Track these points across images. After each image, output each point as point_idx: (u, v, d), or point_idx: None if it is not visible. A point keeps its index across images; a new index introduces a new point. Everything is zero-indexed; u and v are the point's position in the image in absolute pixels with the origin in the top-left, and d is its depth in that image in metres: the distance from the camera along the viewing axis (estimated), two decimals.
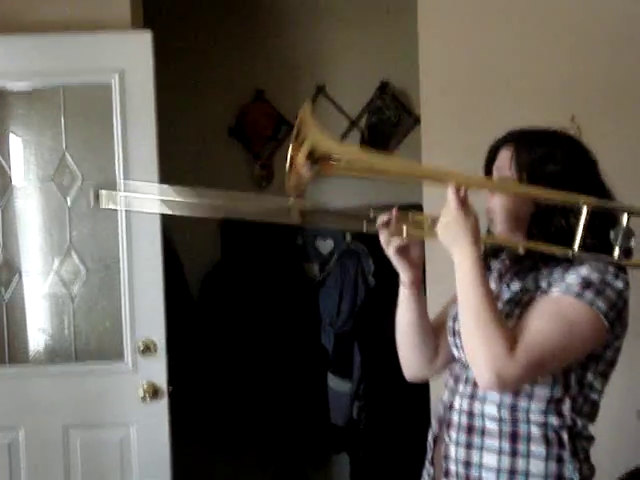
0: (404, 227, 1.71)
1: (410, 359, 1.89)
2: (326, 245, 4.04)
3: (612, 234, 1.59)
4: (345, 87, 4.00)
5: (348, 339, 3.73)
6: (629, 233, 1.58)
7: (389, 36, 3.94)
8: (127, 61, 2.91)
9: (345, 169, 1.66)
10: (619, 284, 1.61)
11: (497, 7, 2.99)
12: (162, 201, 1.85)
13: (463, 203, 1.61)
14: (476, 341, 1.55)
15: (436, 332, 1.87)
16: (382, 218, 1.72)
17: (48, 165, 3.01)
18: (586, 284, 1.58)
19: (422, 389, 2.98)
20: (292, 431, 3.80)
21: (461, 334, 1.63)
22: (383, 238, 1.74)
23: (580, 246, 1.59)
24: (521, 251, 1.65)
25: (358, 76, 3.99)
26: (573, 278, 1.60)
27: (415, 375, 1.94)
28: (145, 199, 2.00)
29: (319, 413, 3.77)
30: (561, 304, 1.57)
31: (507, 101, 2.89)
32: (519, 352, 1.51)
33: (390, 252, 1.75)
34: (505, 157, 1.73)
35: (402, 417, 3.60)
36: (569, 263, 1.62)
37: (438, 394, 2.91)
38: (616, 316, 1.60)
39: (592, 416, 1.69)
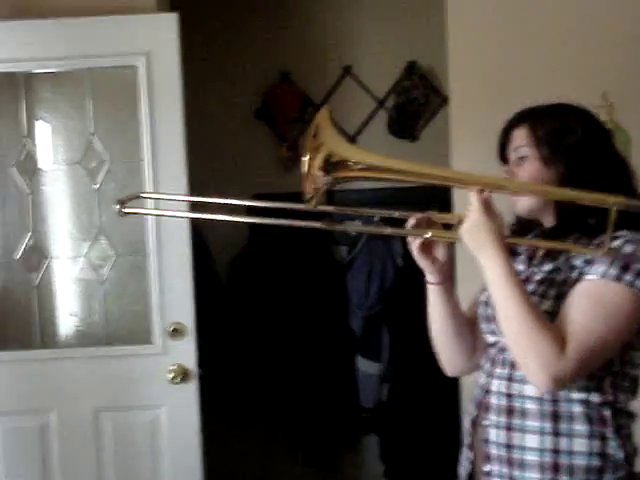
0: (429, 230, 1.69)
1: (450, 356, 1.87)
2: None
3: None
4: (372, 67, 3.97)
5: (377, 321, 3.72)
6: None
7: (416, 15, 3.90)
8: (154, 43, 2.89)
9: (361, 173, 1.62)
10: None
11: None
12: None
13: (487, 206, 1.58)
14: (525, 349, 1.53)
15: (472, 325, 1.85)
16: (410, 221, 1.72)
17: (75, 149, 3.01)
18: (624, 266, 1.55)
19: None
20: (321, 413, 3.80)
21: (507, 341, 1.60)
22: (410, 242, 1.74)
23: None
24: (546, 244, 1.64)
25: (385, 56, 3.95)
26: (607, 259, 1.57)
27: (457, 371, 1.93)
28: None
29: (348, 395, 3.77)
30: (601, 291, 1.55)
31: (536, 80, 2.85)
32: (570, 351, 1.50)
33: (413, 251, 1.74)
34: (520, 136, 1.72)
35: (431, 399, 3.59)
36: (600, 242, 1.59)
37: (467, 376, 2.91)
38: None
39: (633, 391, 1.68)
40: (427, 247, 1.74)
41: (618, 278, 1.54)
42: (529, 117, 1.73)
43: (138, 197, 1.91)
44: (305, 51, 3.97)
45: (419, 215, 1.71)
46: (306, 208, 1.61)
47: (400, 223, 1.76)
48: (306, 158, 1.56)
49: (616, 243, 1.58)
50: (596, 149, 1.67)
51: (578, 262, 1.62)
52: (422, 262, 1.75)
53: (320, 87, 3.98)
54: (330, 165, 1.57)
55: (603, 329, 1.52)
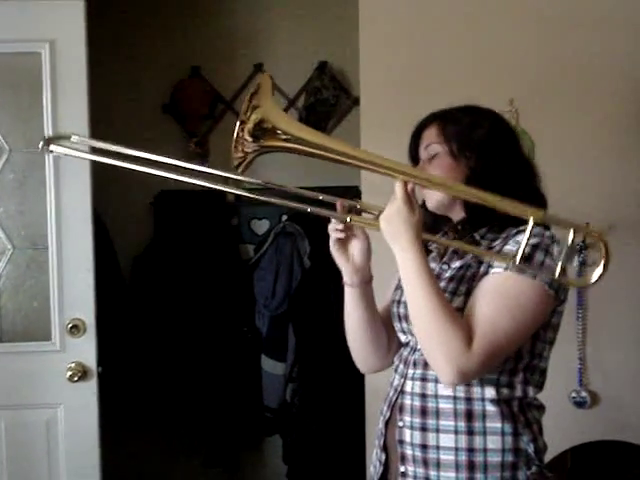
0: (348, 215, 1.69)
1: (364, 356, 1.88)
2: (261, 226, 4.00)
3: (555, 251, 1.60)
4: (283, 66, 3.95)
5: (283, 321, 3.70)
6: (572, 252, 1.58)
7: (328, 16, 3.90)
8: (59, 31, 2.81)
9: (287, 144, 1.61)
10: (556, 248, 1.62)
11: None
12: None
13: (409, 199, 1.59)
14: (433, 343, 1.55)
15: (386, 325, 1.85)
16: (337, 206, 1.70)
17: None
18: (527, 256, 1.58)
19: (357, 371, 2.97)
20: (224, 413, 3.76)
21: (416, 334, 1.62)
22: (331, 227, 1.73)
23: (521, 257, 1.56)
24: (456, 245, 1.68)
25: (296, 55, 3.94)
26: (512, 248, 1.61)
27: (371, 369, 1.94)
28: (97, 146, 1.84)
29: (252, 395, 3.74)
30: (506, 284, 1.58)
31: (446, 84, 2.88)
32: (476, 345, 1.52)
33: (331, 247, 1.75)
34: (431, 135, 1.76)
35: (336, 399, 3.59)
36: (507, 235, 1.65)
37: (372, 376, 2.91)
38: (559, 283, 1.61)
39: (541, 385, 1.71)
40: (344, 245, 1.74)
41: (521, 270, 1.57)
42: (439, 117, 1.76)
43: (69, 138, 1.77)
44: (216, 47, 3.93)
45: (345, 201, 1.71)
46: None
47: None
48: (238, 122, 1.56)
49: (520, 237, 1.60)
50: (503, 144, 1.72)
51: (485, 257, 1.65)
52: (339, 260, 1.76)
53: (231, 84, 3.94)
54: (260, 130, 1.56)
55: (509, 322, 1.55)
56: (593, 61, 2.88)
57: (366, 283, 1.79)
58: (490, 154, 1.69)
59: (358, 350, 1.88)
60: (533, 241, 1.60)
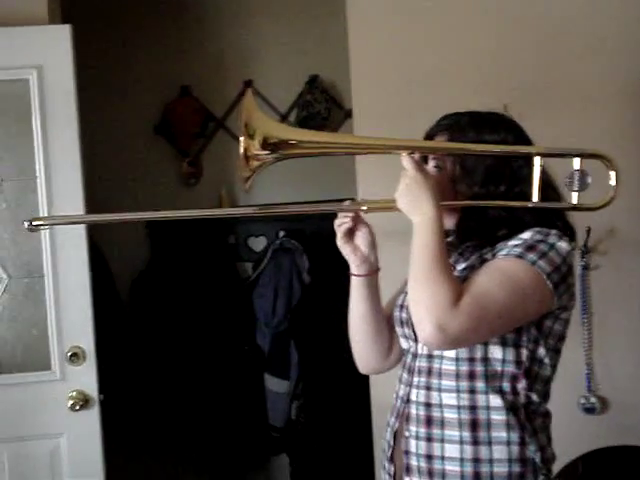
0: (364, 204, 1.73)
1: (364, 352, 1.87)
2: (259, 243, 3.98)
3: (567, 180, 1.64)
4: (273, 81, 3.94)
5: (284, 338, 3.68)
6: (583, 176, 1.63)
7: (317, 29, 3.90)
8: (45, 56, 2.78)
9: (299, 150, 1.67)
10: (563, 245, 1.61)
11: None
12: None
13: (420, 166, 1.61)
14: (422, 291, 1.53)
15: (390, 324, 1.83)
16: (346, 202, 1.76)
17: None
18: (529, 246, 1.58)
19: (362, 386, 2.94)
20: (230, 434, 3.73)
21: (408, 288, 1.59)
22: (337, 222, 1.76)
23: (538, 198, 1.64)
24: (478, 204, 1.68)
25: (286, 70, 3.94)
26: (515, 242, 1.61)
27: (371, 368, 1.93)
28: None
29: (257, 415, 3.71)
30: (503, 264, 1.58)
31: (439, 92, 2.86)
32: (463, 304, 1.50)
33: (338, 240, 1.76)
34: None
35: (341, 415, 3.56)
36: (511, 237, 1.63)
37: (378, 390, 2.89)
38: (560, 280, 1.59)
39: (544, 394, 1.68)
40: (349, 235, 1.75)
41: (521, 256, 1.57)
42: (451, 128, 1.73)
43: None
44: (205, 65, 3.92)
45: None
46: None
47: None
48: (242, 140, 1.60)
49: (526, 234, 1.61)
50: (512, 173, 1.67)
51: (489, 256, 1.64)
52: (345, 251, 1.77)
53: (221, 101, 3.93)
54: (270, 145, 1.62)
55: (500, 292, 1.53)
56: (588, 62, 2.86)
57: (373, 274, 1.79)
58: (496, 183, 1.67)
59: (360, 345, 1.86)
60: (538, 237, 1.60)
